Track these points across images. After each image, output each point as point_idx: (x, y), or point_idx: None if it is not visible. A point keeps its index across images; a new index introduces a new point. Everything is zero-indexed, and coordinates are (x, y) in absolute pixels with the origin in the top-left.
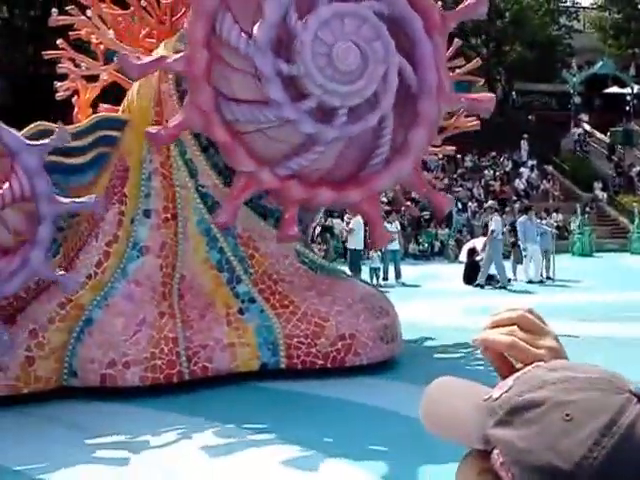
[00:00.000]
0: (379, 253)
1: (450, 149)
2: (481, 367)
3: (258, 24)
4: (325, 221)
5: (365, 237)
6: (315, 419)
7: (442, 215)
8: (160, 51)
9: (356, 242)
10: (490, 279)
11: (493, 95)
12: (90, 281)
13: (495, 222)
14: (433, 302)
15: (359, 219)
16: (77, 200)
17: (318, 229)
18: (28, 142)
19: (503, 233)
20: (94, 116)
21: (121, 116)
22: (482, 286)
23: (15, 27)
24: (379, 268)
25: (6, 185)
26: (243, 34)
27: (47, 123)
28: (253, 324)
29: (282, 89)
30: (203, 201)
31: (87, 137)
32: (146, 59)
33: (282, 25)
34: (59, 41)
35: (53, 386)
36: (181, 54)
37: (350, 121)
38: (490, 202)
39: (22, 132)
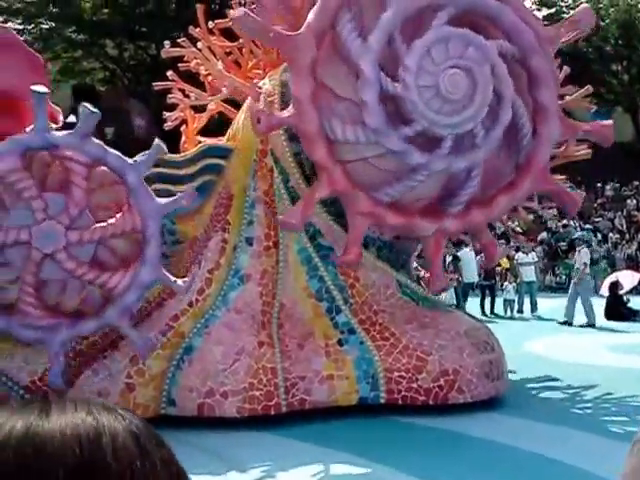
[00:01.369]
0: (514, 284)
1: (560, 178)
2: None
3: (360, 86)
4: (456, 250)
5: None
6: (453, 454)
7: (574, 211)
8: (266, 82)
9: (466, 274)
10: (635, 314)
11: (611, 122)
12: (192, 308)
13: (584, 255)
14: (568, 337)
15: (468, 250)
16: (170, 199)
17: (449, 258)
18: (130, 161)
19: None
20: (201, 145)
21: (227, 145)
22: (570, 324)
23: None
24: (514, 300)
25: (119, 216)
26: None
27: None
28: (352, 356)
29: (385, 118)
30: (304, 229)
31: (194, 165)
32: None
33: (387, 51)
34: (169, 73)
35: (151, 414)
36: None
37: (460, 150)
38: (579, 233)
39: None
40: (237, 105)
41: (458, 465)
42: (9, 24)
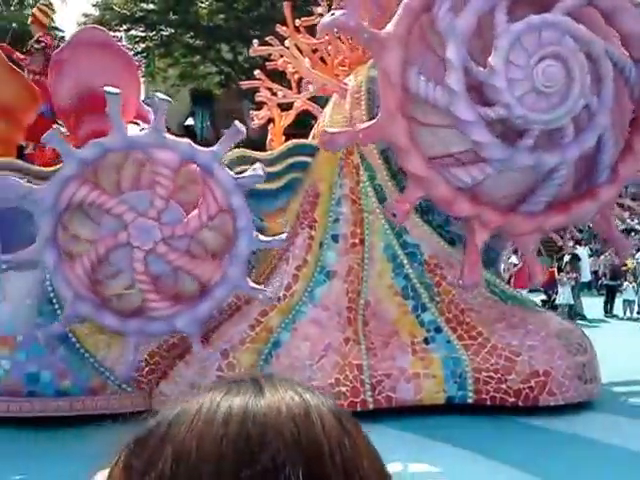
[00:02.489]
0: (634, 285)
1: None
2: None
3: (447, 73)
4: (574, 248)
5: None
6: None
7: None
8: (352, 79)
9: (583, 273)
10: None
11: None
12: (279, 304)
13: None
14: None
15: (582, 249)
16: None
17: (567, 257)
18: (215, 152)
19: None
20: (287, 143)
21: (313, 142)
22: None
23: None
24: (634, 301)
25: (200, 202)
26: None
27: (247, 150)
28: (439, 355)
29: (462, 82)
30: (390, 227)
31: (280, 163)
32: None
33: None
34: (257, 72)
35: None
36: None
37: (549, 145)
38: None
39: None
40: (324, 102)
41: (555, 463)
42: (132, 31)
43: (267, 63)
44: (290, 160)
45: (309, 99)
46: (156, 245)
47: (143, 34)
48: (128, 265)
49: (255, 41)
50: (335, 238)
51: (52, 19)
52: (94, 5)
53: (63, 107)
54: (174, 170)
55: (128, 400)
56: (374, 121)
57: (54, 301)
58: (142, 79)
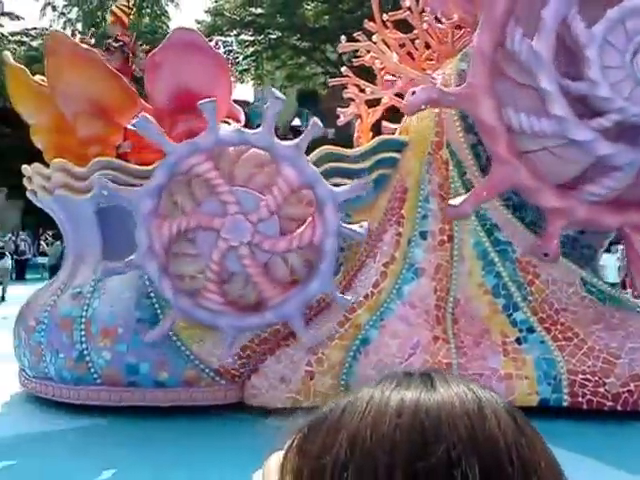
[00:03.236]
0: None
1: None
2: None
3: (537, 34)
4: None
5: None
6: None
7: None
8: (441, 73)
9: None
10: None
11: None
12: (367, 301)
13: None
14: None
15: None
16: (351, 228)
17: None
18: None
19: None
20: (375, 139)
21: (401, 137)
22: None
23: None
24: None
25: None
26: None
27: (333, 147)
28: (532, 356)
29: (567, 106)
30: (480, 223)
31: (368, 159)
32: (419, 92)
33: (566, 31)
34: (344, 68)
35: None
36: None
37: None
38: None
39: (309, 157)
40: None
41: None
42: (242, 36)
43: (355, 60)
44: (378, 156)
45: (396, 95)
46: (241, 245)
47: (252, 38)
48: (208, 249)
49: (343, 38)
50: (423, 235)
51: (130, 18)
52: (206, 11)
53: (159, 108)
54: (292, 189)
55: (221, 393)
56: (491, 174)
57: (151, 295)
58: (251, 81)
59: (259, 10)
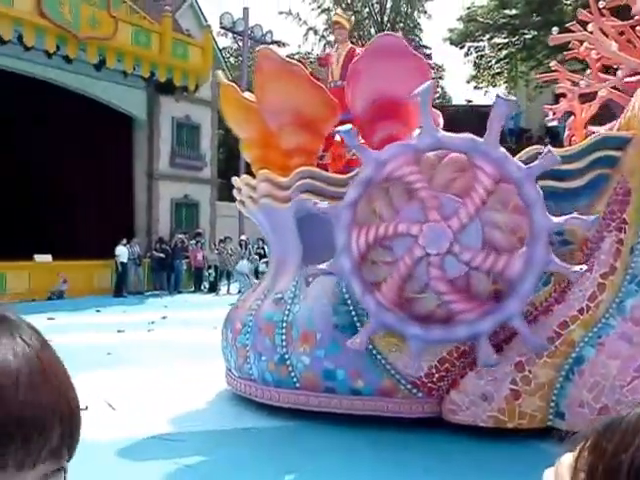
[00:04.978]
0: None
1: None
2: None
3: None
4: None
5: None
6: None
7: None
8: None
9: None
10: None
11: None
12: (582, 316)
13: None
14: None
15: None
16: (574, 216)
17: None
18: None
19: None
20: (593, 136)
21: (623, 133)
22: None
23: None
24: None
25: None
26: None
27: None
28: None
29: None
30: None
31: (583, 159)
32: None
33: None
34: (552, 63)
35: (537, 425)
36: None
37: None
38: None
39: (517, 156)
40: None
41: None
42: (494, 39)
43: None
44: (595, 155)
45: (613, 88)
46: (451, 247)
47: (505, 40)
48: (423, 271)
49: (555, 28)
50: None
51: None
52: (458, 19)
53: (359, 115)
54: (492, 184)
55: (419, 406)
56: None
57: (348, 302)
58: (503, 85)
59: (513, 11)
